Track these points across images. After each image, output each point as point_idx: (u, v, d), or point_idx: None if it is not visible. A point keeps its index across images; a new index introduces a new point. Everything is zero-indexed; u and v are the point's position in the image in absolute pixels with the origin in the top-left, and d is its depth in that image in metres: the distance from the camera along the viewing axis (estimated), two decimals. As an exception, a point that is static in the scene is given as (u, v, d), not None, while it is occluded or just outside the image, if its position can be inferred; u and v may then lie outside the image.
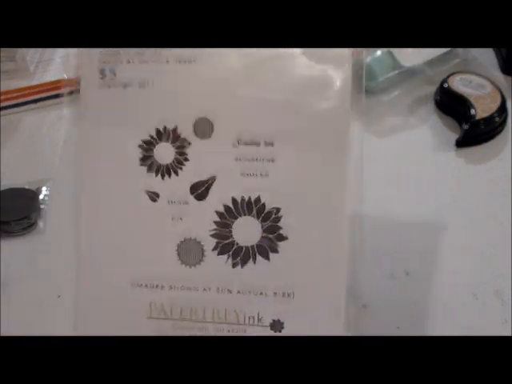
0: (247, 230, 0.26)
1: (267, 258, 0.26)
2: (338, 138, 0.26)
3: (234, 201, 0.26)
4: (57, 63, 0.66)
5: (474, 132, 0.54)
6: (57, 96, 0.63)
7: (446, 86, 0.57)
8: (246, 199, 0.26)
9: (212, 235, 0.27)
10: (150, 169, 0.27)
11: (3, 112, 0.61)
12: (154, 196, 0.27)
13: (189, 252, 0.27)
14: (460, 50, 0.62)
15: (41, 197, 0.52)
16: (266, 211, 0.26)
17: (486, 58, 0.63)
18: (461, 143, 0.55)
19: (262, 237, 0.26)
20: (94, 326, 0.28)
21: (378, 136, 0.57)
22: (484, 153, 0.55)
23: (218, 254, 0.27)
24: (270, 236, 0.26)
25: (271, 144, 0.27)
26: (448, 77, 0.58)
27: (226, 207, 0.26)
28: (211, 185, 0.27)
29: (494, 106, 0.55)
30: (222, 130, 0.27)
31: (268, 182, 0.26)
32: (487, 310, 0.44)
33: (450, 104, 0.57)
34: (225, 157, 0.27)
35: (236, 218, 0.26)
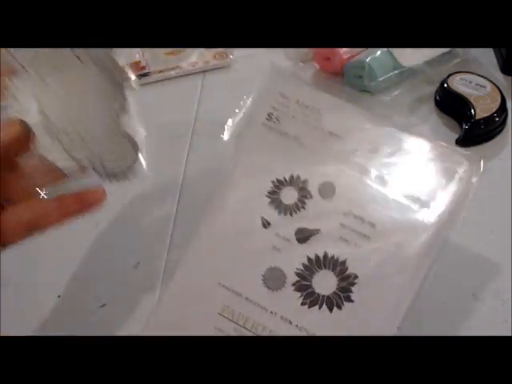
0: (325, 282, 0.31)
1: (331, 310, 0.31)
2: (420, 251, 0.32)
3: (324, 255, 0.32)
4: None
5: (474, 132, 0.55)
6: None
7: (445, 85, 0.57)
8: (335, 258, 0.31)
9: (296, 273, 0.32)
10: (272, 202, 0.33)
11: (3, 112, 0.61)
12: (266, 223, 0.33)
13: (273, 277, 0.32)
14: (460, 50, 0.62)
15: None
16: (345, 274, 0.31)
17: (486, 57, 0.63)
18: (461, 143, 0.55)
19: (334, 292, 0.31)
20: (173, 304, 0.33)
21: (378, 136, 0.57)
22: (484, 153, 0.55)
23: (294, 290, 0.31)
24: (341, 295, 0.31)
25: (373, 225, 0.32)
26: (448, 77, 0.58)
27: (316, 256, 0.32)
28: (314, 235, 0.32)
29: (493, 105, 0.55)
30: (341, 198, 0.32)
31: (358, 252, 0.31)
32: (487, 310, 0.44)
33: (450, 104, 0.57)
34: (334, 219, 0.32)
35: (320, 268, 0.31)
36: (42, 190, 0.32)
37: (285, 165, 0.33)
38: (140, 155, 0.33)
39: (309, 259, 0.31)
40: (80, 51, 0.30)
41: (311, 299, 0.31)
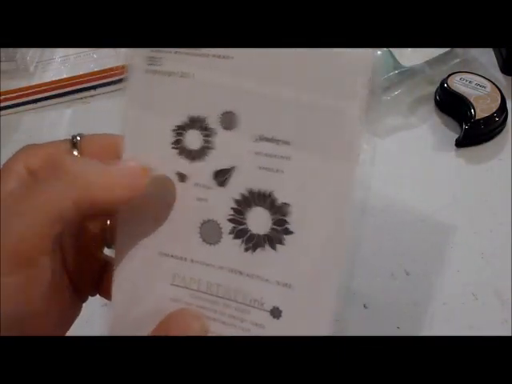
0: (259, 220, 0.29)
1: (274, 248, 0.28)
2: (348, 142, 0.28)
3: (249, 191, 0.29)
4: (57, 63, 0.66)
5: (474, 132, 0.55)
6: (57, 96, 0.63)
7: (445, 85, 0.57)
8: (261, 191, 0.28)
9: (229, 220, 0.29)
10: (180, 152, 0.30)
11: (3, 112, 0.61)
12: (182, 177, 0.30)
13: (209, 231, 0.29)
14: (460, 50, 0.62)
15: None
16: (276, 205, 0.28)
17: (485, 57, 0.63)
18: (461, 143, 0.55)
19: (272, 228, 0.28)
20: (122, 290, 0.30)
21: (378, 136, 0.57)
22: (484, 153, 0.55)
23: (234, 238, 0.29)
24: (278, 228, 0.28)
25: (288, 143, 0.28)
26: (448, 77, 0.58)
27: (243, 196, 0.29)
28: (231, 174, 0.29)
29: (493, 105, 0.55)
30: (246, 124, 0.29)
31: (282, 178, 0.28)
32: (487, 310, 0.44)
33: (450, 104, 0.57)
34: (245, 149, 0.29)
35: (250, 207, 0.29)
36: None
37: (180, 107, 0.30)
38: None
39: (236, 201, 0.29)
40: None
41: (252, 242, 0.28)
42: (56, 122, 0.61)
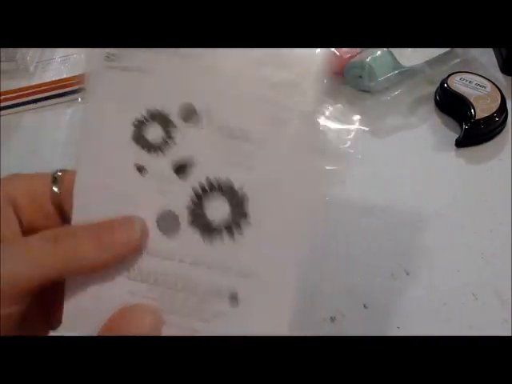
0: (218, 211, 0.29)
1: (233, 238, 0.29)
2: (311, 139, 0.28)
3: (209, 182, 0.29)
4: (57, 63, 0.66)
5: (474, 132, 0.55)
6: (57, 96, 0.63)
7: (445, 85, 0.57)
8: (220, 182, 0.29)
9: (188, 211, 0.29)
10: (139, 145, 0.30)
11: (3, 112, 0.61)
12: (141, 169, 0.30)
13: (167, 223, 0.29)
14: (460, 50, 0.62)
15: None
16: (235, 196, 0.29)
17: (485, 57, 0.63)
18: (461, 143, 0.55)
19: (231, 219, 0.29)
20: (77, 285, 0.30)
21: (378, 136, 0.57)
22: (484, 153, 0.55)
23: (192, 229, 0.29)
24: (237, 219, 0.29)
25: (247, 134, 0.29)
26: (448, 77, 0.58)
27: (202, 187, 0.29)
28: (191, 166, 0.29)
29: (493, 105, 0.55)
30: (205, 116, 0.29)
31: (241, 168, 0.29)
32: (487, 310, 0.44)
33: (450, 104, 0.57)
34: (205, 141, 0.29)
35: (210, 198, 0.29)
36: None
37: (139, 101, 0.30)
38: None
39: (195, 192, 0.29)
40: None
41: (211, 233, 0.29)
42: (56, 122, 0.61)
